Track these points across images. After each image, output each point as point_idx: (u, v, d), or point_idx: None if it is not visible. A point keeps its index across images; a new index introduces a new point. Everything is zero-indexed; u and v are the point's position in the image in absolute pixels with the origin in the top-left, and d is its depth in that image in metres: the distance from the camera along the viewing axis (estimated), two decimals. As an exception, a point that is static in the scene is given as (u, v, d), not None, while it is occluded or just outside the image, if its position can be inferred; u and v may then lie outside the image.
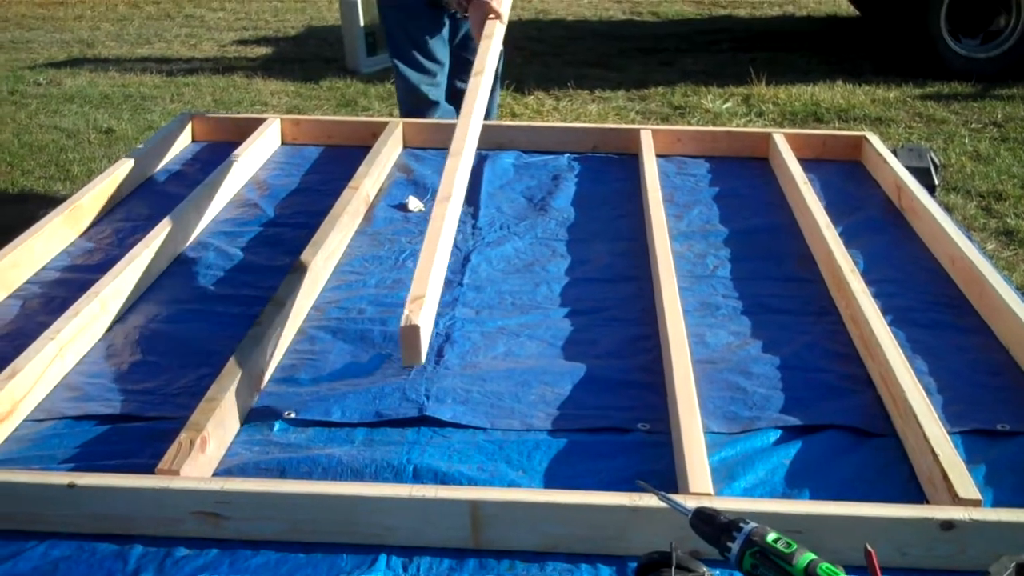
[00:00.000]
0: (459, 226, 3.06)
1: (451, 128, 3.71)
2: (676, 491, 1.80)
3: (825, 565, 1.31)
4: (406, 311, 1.95)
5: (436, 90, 4.24)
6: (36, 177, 5.41)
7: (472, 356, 2.33)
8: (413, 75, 4.21)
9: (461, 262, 2.81)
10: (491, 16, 3.52)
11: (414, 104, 4.24)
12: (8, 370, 2.10)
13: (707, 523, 1.42)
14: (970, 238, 2.92)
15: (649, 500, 1.66)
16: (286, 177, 3.47)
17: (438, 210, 2.19)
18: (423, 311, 1.97)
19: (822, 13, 10.57)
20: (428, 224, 2.16)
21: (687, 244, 2.96)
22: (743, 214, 3.19)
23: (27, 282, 2.66)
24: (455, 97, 4.31)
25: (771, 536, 1.35)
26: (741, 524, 1.38)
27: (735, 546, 1.36)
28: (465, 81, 3.92)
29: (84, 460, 1.94)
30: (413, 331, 1.96)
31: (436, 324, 2.46)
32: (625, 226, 3.08)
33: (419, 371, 2.25)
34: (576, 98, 7.35)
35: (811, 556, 1.32)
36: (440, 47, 4.20)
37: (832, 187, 3.39)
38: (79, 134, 6.15)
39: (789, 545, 1.34)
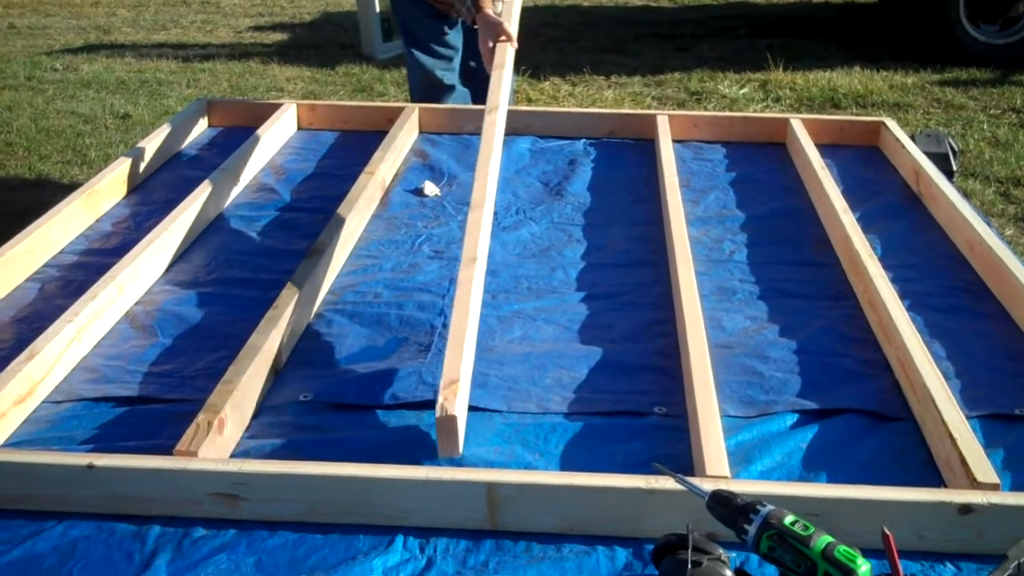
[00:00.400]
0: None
1: (467, 113, 3.75)
2: (692, 474, 1.80)
3: (842, 548, 1.31)
4: (440, 399, 1.84)
5: (451, 74, 4.23)
6: (53, 162, 5.42)
7: (488, 340, 2.33)
8: (428, 60, 4.19)
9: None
10: (502, 39, 3.50)
11: (429, 89, 4.22)
12: (26, 352, 2.11)
13: (724, 506, 1.41)
14: (988, 223, 2.90)
15: (665, 483, 1.66)
16: (302, 162, 3.47)
17: (464, 274, 2.09)
18: (458, 399, 1.86)
19: (839, -1, 10.51)
20: (456, 288, 2.08)
21: (704, 229, 2.95)
22: (760, 199, 3.18)
23: (45, 265, 2.68)
24: (468, 77, 4.32)
25: (788, 519, 1.35)
26: (758, 507, 1.38)
27: (752, 528, 1.36)
28: (477, 62, 3.93)
29: (102, 441, 1.95)
30: (450, 421, 1.84)
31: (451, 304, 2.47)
32: (641, 211, 3.08)
33: (436, 354, 2.26)
34: (592, 84, 7.33)
35: (828, 539, 1.32)
36: (454, 33, 4.18)
37: (849, 172, 3.37)
38: (96, 119, 6.16)
39: (806, 528, 1.33)
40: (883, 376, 2.20)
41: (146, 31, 9.08)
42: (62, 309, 2.30)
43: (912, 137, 3.76)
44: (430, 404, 2.07)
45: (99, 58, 7.84)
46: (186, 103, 3.80)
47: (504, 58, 3.19)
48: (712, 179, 3.34)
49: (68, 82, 7.09)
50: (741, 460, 1.91)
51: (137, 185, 3.23)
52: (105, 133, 5.93)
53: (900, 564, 1.47)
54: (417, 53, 4.20)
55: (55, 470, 1.75)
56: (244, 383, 2.01)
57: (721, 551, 1.56)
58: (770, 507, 1.38)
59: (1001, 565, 1.42)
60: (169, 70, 7.46)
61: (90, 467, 1.74)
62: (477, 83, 4.24)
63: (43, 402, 2.09)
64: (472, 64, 4.26)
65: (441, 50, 4.18)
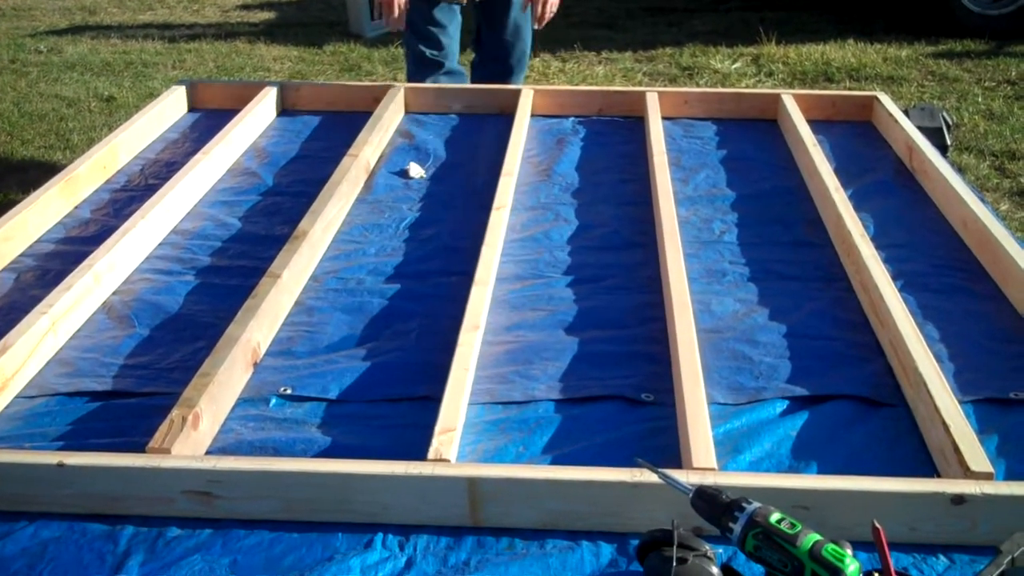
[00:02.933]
0: (461, 192, 3.02)
1: (453, 92, 3.69)
2: (679, 466, 1.76)
3: (830, 546, 1.26)
4: (435, 443, 1.79)
5: (440, 53, 4.18)
6: (36, 146, 5.35)
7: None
8: (414, 40, 4.16)
9: (463, 228, 2.76)
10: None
11: (417, 68, 4.19)
12: (-1, 345, 2.06)
13: (708, 503, 1.37)
14: (983, 200, 2.85)
15: (651, 476, 1.61)
16: (286, 144, 3.41)
17: (465, 338, 2.10)
18: (453, 447, 1.79)
19: (833, -30, 10.40)
20: (456, 350, 2.06)
21: (693, 209, 2.90)
22: (751, 177, 3.13)
23: (21, 255, 2.62)
24: (482, 53, 4.34)
25: (774, 517, 1.30)
26: (744, 504, 1.33)
27: (737, 527, 1.32)
28: (490, 37, 4.13)
29: (76, 438, 1.90)
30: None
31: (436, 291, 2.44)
32: (630, 191, 3.02)
33: (417, 344, 2.21)
34: (583, 60, 7.25)
35: (816, 537, 1.27)
36: (443, 12, 4.13)
37: (842, 149, 3.32)
38: (80, 102, 6.09)
39: (793, 526, 1.29)
40: (875, 360, 2.16)
41: (132, 11, 8.98)
42: (37, 300, 2.25)
43: (906, 111, 3.71)
44: (413, 398, 2.03)
45: (84, 39, 7.75)
46: (171, 85, 3.74)
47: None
48: (702, 157, 3.29)
49: (52, 64, 7.00)
50: (729, 450, 1.86)
51: (117, 171, 3.17)
52: (89, 116, 5.85)
53: (891, 558, 1.44)
54: (406, 34, 4.18)
55: (25, 469, 1.70)
56: (221, 376, 1.96)
57: (707, 547, 1.52)
58: (756, 504, 1.33)
59: (995, 560, 1.38)
60: (155, 51, 7.38)
61: (60, 465, 1.69)
62: (492, 58, 4.29)
63: (16, 397, 2.04)
64: (485, 38, 4.30)
65: (429, 29, 4.13)
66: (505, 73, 4.26)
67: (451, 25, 4.20)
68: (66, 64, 7.01)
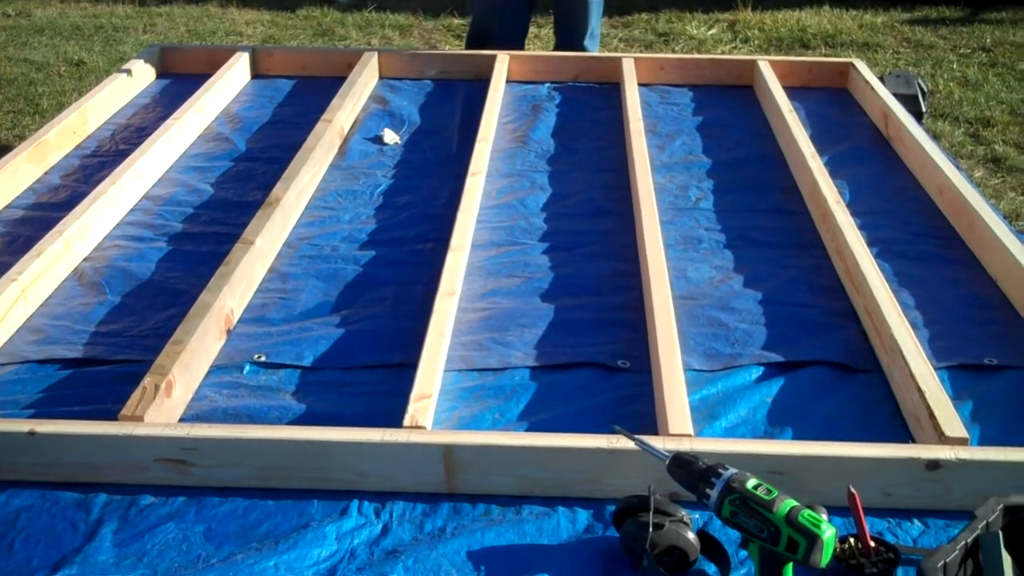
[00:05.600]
0: (436, 158, 3.00)
1: (427, 58, 3.66)
2: (656, 433, 1.76)
3: (806, 512, 1.26)
4: (411, 410, 1.76)
5: (496, 21, 4.24)
6: (4, 112, 5.25)
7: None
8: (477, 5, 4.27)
9: (438, 194, 2.75)
10: None
11: (474, 34, 4.29)
12: (-32, 313, 2.03)
13: (685, 469, 1.37)
14: (958, 167, 2.86)
15: (627, 443, 1.61)
16: (258, 109, 3.38)
17: (441, 305, 2.08)
18: (429, 414, 1.78)
19: (809, -64, 10.36)
20: (432, 316, 2.04)
21: (669, 176, 2.89)
22: (727, 144, 3.12)
23: (-11, 221, 2.59)
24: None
25: (751, 483, 1.30)
26: (720, 470, 1.33)
27: (714, 493, 1.31)
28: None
29: (48, 406, 1.88)
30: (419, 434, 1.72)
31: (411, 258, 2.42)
32: (606, 158, 3.01)
33: (393, 311, 2.20)
34: (559, 25, 7.19)
35: (792, 503, 1.27)
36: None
37: (818, 115, 3.32)
38: (49, 67, 5.98)
39: (770, 492, 1.29)
40: (851, 327, 2.16)
41: (102, -26, 8.82)
42: (6, 267, 2.22)
43: (881, 78, 3.71)
44: (388, 365, 2.01)
45: (53, 3, 7.61)
46: (142, 49, 3.68)
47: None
48: (679, 124, 3.28)
49: (20, 28, 6.87)
50: (705, 416, 1.86)
51: (87, 136, 3.12)
52: (58, 81, 5.75)
53: (866, 523, 1.45)
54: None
55: (-5, 437, 1.68)
56: (194, 343, 1.94)
57: (683, 512, 1.52)
58: (732, 471, 1.33)
59: (969, 525, 1.39)
60: (125, 14, 7.26)
61: (32, 434, 1.67)
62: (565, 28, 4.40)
63: (-15, 365, 2.02)
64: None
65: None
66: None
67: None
68: (35, 28, 6.89)
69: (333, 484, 1.67)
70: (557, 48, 4.43)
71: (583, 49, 4.28)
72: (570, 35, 4.34)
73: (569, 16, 4.35)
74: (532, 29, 7.05)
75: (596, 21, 4.35)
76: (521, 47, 4.26)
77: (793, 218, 2.65)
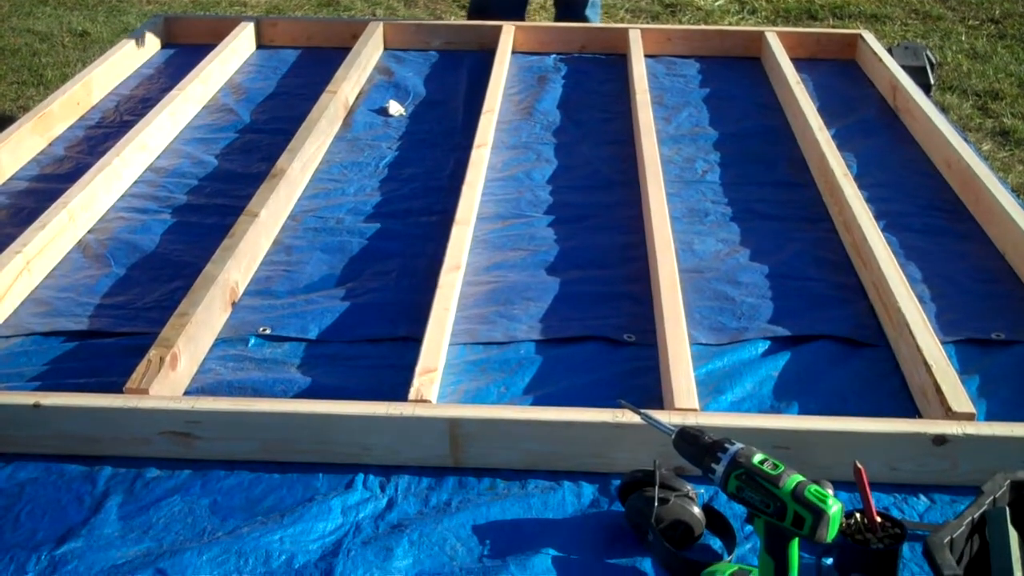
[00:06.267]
0: (441, 130, 2.98)
1: (433, 28, 3.64)
2: (662, 407, 1.75)
3: (813, 487, 1.26)
4: (416, 384, 1.76)
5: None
6: (8, 83, 5.24)
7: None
8: None
9: (443, 167, 2.73)
10: None
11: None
12: (-28, 286, 2.03)
13: (691, 444, 1.36)
14: (966, 139, 2.84)
15: (633, 417, 1.60)
16: (263, 81, 3.36)
17: (446, 279, 2.08)
18: (434, 387, 1.78)
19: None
20: (437, 290, 2.04)
21: (676, 148, 2.87)
22: (734, 116, 3.10)
23: (-6, 193, 2.58)
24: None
25: (757, 457, 1.30)
26: (726, 445, 1.32)
27: (720, 468, 1.31)
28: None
29: (53, 378, 1.88)
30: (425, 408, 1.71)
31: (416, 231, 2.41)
32: (612, 130, 2.99)
33: (398, 284, 2.19)
34: (565, -4, 7.14)
35: (798, 478, 1.27)
36: None
37: (826, 87, 3.29)
38: (52, 37, 5.96)
39: (776, 467, 1.28)
40: (858, 301, 2.15)
41: (105, -57, 8.77)
42: (11, 239, 2.22)
43: (890, 50, 3.68)
44: (393, 338, 2.01)
45: (57, -28, 7.58)
46: (146, 19, 3.66)
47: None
48: (685, 95, 3.26)
49: (24, -2, 6.85)
50: (711, 390, 1.86)
51: (91, 107, 3.11)
52: (62, 52, 5.73)
53: (872, 498, 1.44)
54: None
55: (0, 410, 1.68)
56: (199, 316, 1.93)
57: (689, 487, 1.52)
58: (739, 445, 1.33)
59: (976, 500, 1.38)
60: (129, -16, 7.23)
61: (37, 406, 1.67)
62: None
63: (-10, 337, 2.02)
64: None
65: None
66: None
67: None
68: (38, -2, 6.86)
69: (338, 458, 1.67)
70: (558, 19, 4.40)
71: (584, 18, 4.26)
72: (572, 6, 4.31)
73: None
74: (536, 0, 7.01)
75: None
76: (521, 18, 4.22)
77: (800, 191, 2.63)
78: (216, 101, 3.18)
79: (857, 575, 1.42)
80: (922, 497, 1.62)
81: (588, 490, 1.63)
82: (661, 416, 1.55)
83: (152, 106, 2.93)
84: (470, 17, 4.27)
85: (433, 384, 1.77)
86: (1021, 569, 1.33)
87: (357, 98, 3.18)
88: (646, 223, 2.37)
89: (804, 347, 2.00)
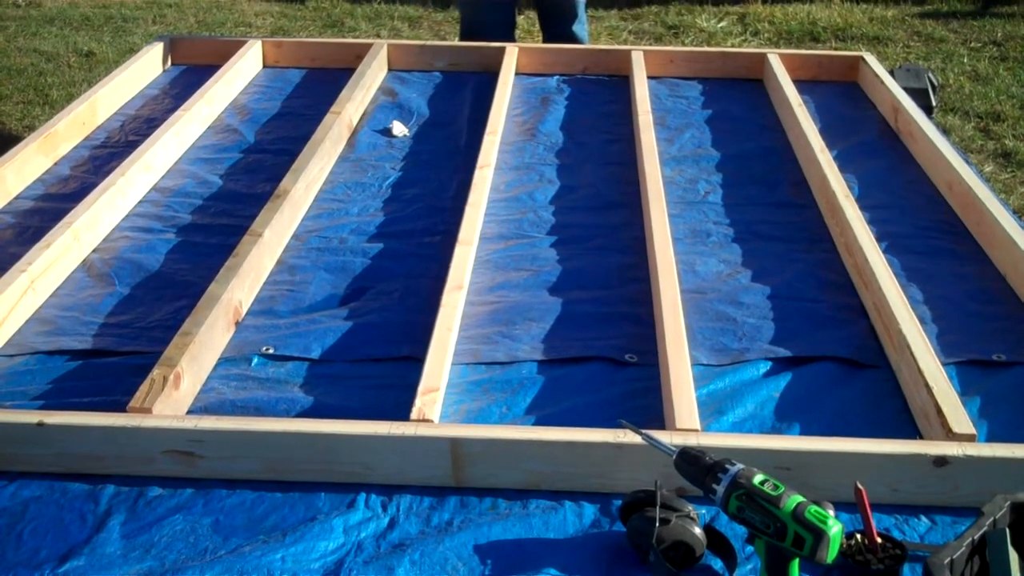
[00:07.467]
0: (445, 151, 3.00)
1: (436, 50, 3.66)
2: (663, 426, 1.76)
3: (813, 508, 1.26)
4: (418, 403, 1.77)
5: (486, 13, 4.26)
6: (14, 102, 5.27)
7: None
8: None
9: (446, 187, 2.75)
10: None
11: (466, 28, 4.33)
12: (-23, 304, 2.04)
13: (692, 464, 1.37)
14: (968, 161, 2.85)
15: (634, 437, 1.61)
16: (267, 101, 3.38)
17: (449, 299, 2.09)
18: (436, 407, 1.78)
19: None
20: (440, 310, 2.05)
21: (678, 169, 2.89)
22: (736, 138, 3.11)
23: (-1, 212, 2.59)
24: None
25: (758, 478, 1.30)
26: (727, 465, 1.33)
27: (720, 488, 1.31)
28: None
29: (56, 397, 1.89)
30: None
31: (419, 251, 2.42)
32: (615, 151, 3.00)
33: (400, 304, 2.20)
34: (568, 18, 7.17)
35: (799, 499, 1.27)
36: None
37: (828, 109, 3.31)
38: (58, 57, 6.00)
39: (776, 488, 1.29)
40: (859, 322, 2.16)
41: (112, -36, 8.83)
42: (16, 258, 2.23)
43: (892, 72, 3.70)
44: (396, 358, 2.02)
45: (63, -7, 7.63)
46: (151, 40, 3.68)
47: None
48: (688, 117, 3.27)
49: (31, 19, 6.89)
50: (713, 411, 1.86)
51: (97, 127, 3.13)
52: (68, 72, 5.76)
53: (873, 519, 1.44)
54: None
55: (4, 428, 1.69)
56: (202, 335, 1.94)
57: (690, 507, 1.52)
58: (739, 466, 1.33)
59: (976, 522, 1.38)
60: (135, 5, 7.27)
61: (41, 425, 1.68)
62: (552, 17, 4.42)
63: (-5, 355, 2.02)
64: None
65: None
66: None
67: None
68: (45, 18, 6.90)
69: (340, 477, 1.67)
70: (546, 40, 4.41)
71: (573, 35, 4.26)
72: (558, 23, 4.33)
73: (555, 5, 4.35)
74: (527, 24, 7.05)
75: (582, 6, 4.34)
76: (511, 39, 4.25)
77: (802, 212, 2.64)
78: (221, 121, 3.20)
79: (858, 596, 1.42)
80: (923, 518, 1.62)
81: (589, 510, 1.63)
82: (662, 436, 1.56)
83: (157, 126, 2.95)
84: (462, 40, 4.31)
85: (435, 404, 1.78)
86: (1022, 590, 1.34)
87: (361, 119, 3.20)
88: (648, 244, 2.38)
89: (805, 368, 2.00)
